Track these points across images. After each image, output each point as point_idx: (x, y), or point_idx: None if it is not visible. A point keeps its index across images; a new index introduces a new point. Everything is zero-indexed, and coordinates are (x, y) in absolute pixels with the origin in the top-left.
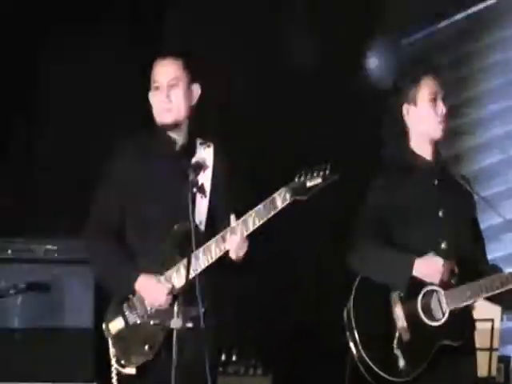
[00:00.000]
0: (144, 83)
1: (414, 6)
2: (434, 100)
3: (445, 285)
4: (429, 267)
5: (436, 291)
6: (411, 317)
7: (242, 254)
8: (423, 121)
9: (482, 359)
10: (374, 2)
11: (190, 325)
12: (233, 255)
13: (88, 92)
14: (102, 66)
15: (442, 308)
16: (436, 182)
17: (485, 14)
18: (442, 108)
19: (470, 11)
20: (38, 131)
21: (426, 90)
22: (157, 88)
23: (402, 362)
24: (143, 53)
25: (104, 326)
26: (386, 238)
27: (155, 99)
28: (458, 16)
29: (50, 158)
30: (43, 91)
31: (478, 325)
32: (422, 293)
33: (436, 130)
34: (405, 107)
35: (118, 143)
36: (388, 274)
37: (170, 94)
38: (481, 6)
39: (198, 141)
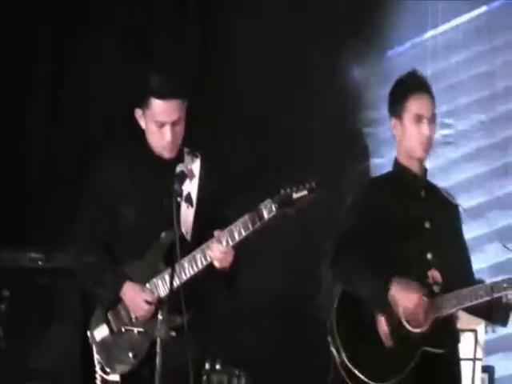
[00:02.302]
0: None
1: (401, 16)
2: (420, 119)
3: (418, 324)
4: (405, 298)
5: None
6: (394, 323)
7: (226, 264)
8: (406, 138)
9: (465, 369)
10: (359, 16)
11: (173, 334)
12: (217, 264)
13: (77, 100)
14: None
15: (426, 315)
16: (423, 194)
17: (473, 25)
18: (426, 129)
19: (457, 21)
20: (24, 140)
21: (413, 107)
22: (160, 126)
23: (383, 368)
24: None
25: (89, 333)
26: (371, 248)
27: (157, 136)
28: (446, 26)
29: (36, 167)
30: (31, 100)
31: (461, 336)
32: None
33: (417, 151)
34: (393, 120)
35: (104, 154)
36: (366, 297)
37: (175, 131)
38: (468, 15)
39: (186, 150)
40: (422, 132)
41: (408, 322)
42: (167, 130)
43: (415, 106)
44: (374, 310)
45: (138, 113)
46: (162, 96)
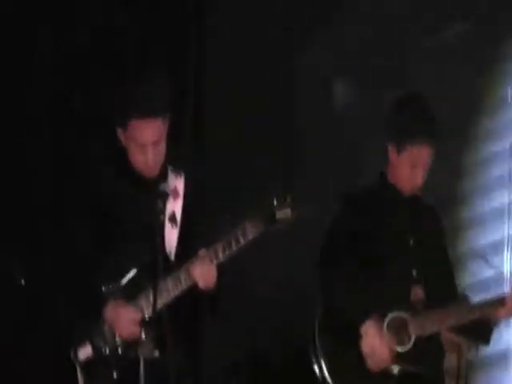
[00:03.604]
0: None
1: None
2: (416, 166)
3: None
4: (370, 343)
5: (402, 318)
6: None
7: (210, 284)
8: (399, 174)
9: None
10: None
11: (157, 353)
12: (200, 284)
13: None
14: None
15: (408, 334)
16: (409, 211)
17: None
18: (420, 175)
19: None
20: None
21: (412, 154)
22: (139, 146)
23: None
24: None
25: (72, 352)
26: (354, 263)
27: (138, 157)
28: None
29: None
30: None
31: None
32: (388, 319)
33: (405, 188)
34: (390, 146)
35: (90, 174)
36: (343, 318)
37: (155, 152)
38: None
39: (170, 168)
40: (415, 176)
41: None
42: (148, 150)
43: (414, 154)
44: (356, 327)
45: (119, 131)
46: (140, 116)
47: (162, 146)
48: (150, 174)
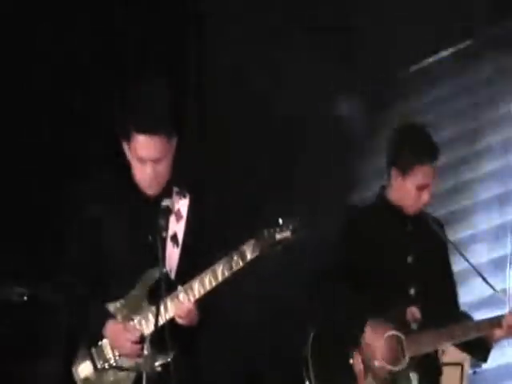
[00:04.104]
0: None
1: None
2: (423, 188)
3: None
4: (371, 344)
5: (398, 336)
6: (369, 361)
7: (190, 322)
8: (404, 198)
9: None
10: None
11: (159, 369)
12: (180, 322)
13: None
14: None
15: (403, 353)
16: (408, 228)
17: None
18: (427, 196)
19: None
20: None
21: (419, 178)
22: (141, 161)
23: None
24: None
25: (73, 369)
26: (351, 282)
27: (140, 171)
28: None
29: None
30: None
31: (447, 369)
32: (385, 337)
33: (412, 211)
34: (394, 171)
35: (87, 189)
36: (341, 335)
37: (157, 168)
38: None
39: (175, 189)
40: (422, 198)
41: (385, 360)
42: (148, 166)
43: (421, 175)
44: (349, 346)
45: (124, 144)
46: (143, 131)
47: (165, 166)
48: (150, 191)
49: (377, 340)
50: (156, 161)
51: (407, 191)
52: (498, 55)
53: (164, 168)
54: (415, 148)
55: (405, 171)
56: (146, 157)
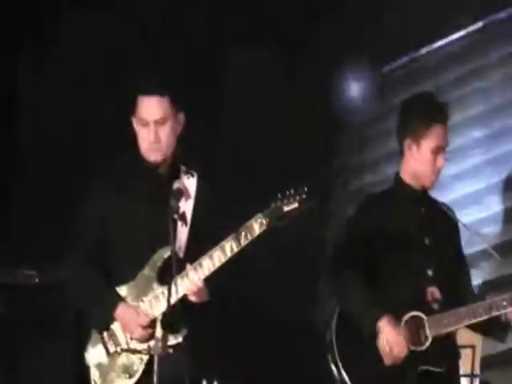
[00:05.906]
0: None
1: (396, 32)
2: (438, 151)
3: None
4: (387, 338)
5: (419, 317)
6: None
7: (199, 298)
8: (420, 166)
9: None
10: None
11: (170, 350)
12: (190, 299)
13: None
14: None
15: (425, 334)
16: (423, 211)
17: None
18: (442, 161)
19: (452, 37)
20: (16, 158)
21: (434, 139)
22: (144, 125)
23: None
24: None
25: (85, 354)
26: (369, 264)
27: (142, 136)
28: (441, 42)
29: (29, 183)
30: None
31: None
32: (405, 319)
33: (428, 181)
34: (407, 141)
35: (99, 173)
36: (357, 320)
37: (159, 131)
38: (462, 33)
39: (183, 168)
40: (437, 163)
41: (407, 341)
42: (150, 128)
43: (437, 137)
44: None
45: (133, 119)
46: (144, 92)
47: (167, 131)
48: (152, 157)
49: (392, 335)
50: (157, 123)
51: (423, 158)
52: None
53: (166, 133)
54: (426, 109)
55: (418, 136)
56: (147, 117)
